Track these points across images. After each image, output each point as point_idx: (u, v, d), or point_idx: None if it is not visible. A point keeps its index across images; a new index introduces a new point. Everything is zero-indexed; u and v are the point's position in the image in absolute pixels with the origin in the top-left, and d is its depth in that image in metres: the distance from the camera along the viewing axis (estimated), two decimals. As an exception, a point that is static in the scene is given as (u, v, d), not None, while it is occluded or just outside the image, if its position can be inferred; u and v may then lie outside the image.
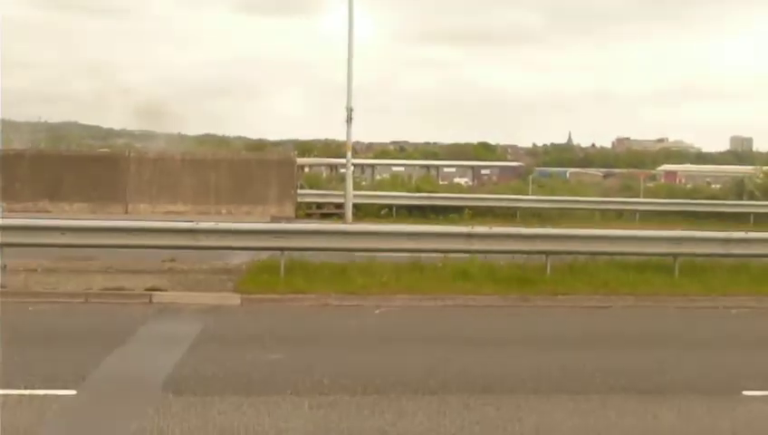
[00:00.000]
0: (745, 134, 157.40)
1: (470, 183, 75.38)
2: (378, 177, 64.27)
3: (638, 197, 34.45)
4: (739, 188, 34.62)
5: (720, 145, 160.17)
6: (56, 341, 10.35)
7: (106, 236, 14.95)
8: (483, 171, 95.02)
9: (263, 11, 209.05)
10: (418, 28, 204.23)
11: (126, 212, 26.77)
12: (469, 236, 15.51)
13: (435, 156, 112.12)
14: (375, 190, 34.14)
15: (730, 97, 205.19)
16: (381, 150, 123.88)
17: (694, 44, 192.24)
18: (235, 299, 13.48)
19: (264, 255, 15.82)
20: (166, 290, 13.73)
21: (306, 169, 54.91)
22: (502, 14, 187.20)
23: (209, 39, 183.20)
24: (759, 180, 35.92)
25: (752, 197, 32.95)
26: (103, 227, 15.34)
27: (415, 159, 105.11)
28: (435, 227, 18.86)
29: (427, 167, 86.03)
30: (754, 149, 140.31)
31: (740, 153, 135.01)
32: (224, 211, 27.12)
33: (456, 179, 77.90)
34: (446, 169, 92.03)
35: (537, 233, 16.13)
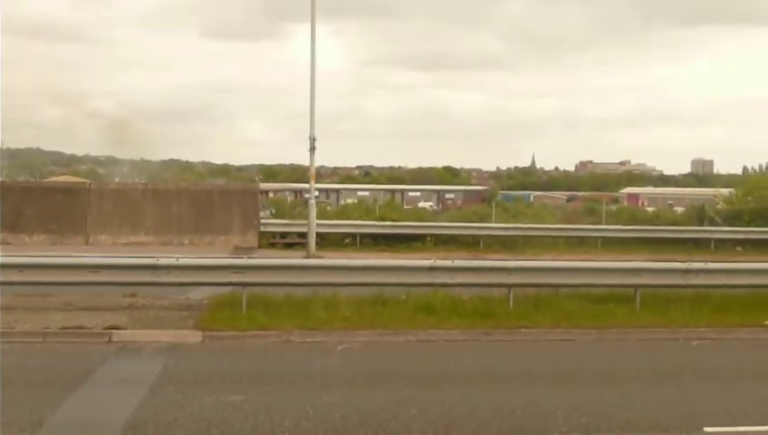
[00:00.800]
0: (706, 157, 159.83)
1: (435, 207, 75.65)
2: (343, 201, 64.37)
3: (600, 221, 34.65)
4: (700, 214, 34.97)
5: (682, 168, 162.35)
6: (12, 383, 10.15)
7: (64, 273, 14.74)
8: (447, 195, 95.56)
9: (229, 37, 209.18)
10: (385, 54, 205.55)
11: (87, 243, 26.48)
12: (432, 269, 15.49)
13: (400, 180, 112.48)
14: (340, 216, 34.10)
15: (691, 121, 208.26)
16: (347, 175, 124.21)
17: (656, 70, 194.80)
18: (196, 336, 13.33)
19: (227, 288, 15.69)
20: (126, 328, 13.56)
21: (271, 195, 54.83)
22: (467, 41, 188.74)
23: (176, 65, 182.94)
24: (719, 206, 36.34)
25: (712, 222, 33.28)
26: (61, 265, 15.13)
27: (380, 183, 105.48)
28: (397, 260, 18.80)
29: (392, 191, 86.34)
30: (715, 171, 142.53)
31: (701, 175, 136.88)
32: (186, 242, 26.94)
33: (421, 204, 78.14)
34: (411, 194, 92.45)
35: (499, 266, 16.15)
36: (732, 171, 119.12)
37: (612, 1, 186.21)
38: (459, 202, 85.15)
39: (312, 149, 25.99)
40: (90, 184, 31.02)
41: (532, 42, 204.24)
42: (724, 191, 42.36)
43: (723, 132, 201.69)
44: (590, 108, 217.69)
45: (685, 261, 17.11)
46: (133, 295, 15.90)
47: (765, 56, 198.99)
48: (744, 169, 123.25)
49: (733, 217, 33.56)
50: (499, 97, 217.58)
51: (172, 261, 15.15)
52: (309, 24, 25.95)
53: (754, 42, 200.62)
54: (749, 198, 35.39)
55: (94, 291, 15.59)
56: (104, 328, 13.48)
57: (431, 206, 76.42)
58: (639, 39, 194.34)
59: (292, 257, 22.82)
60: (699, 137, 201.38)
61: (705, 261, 17.43)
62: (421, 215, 41.68)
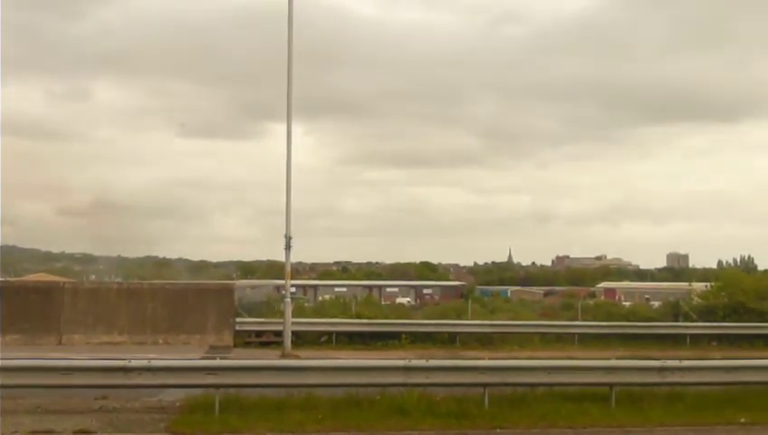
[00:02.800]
0: (681, 251, 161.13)
1: (412, 303, 75.67)
2: (321, 298, 64.20)
3: (576, 317, 34.68)
4: (674, 310, 35.09)
5: (657, 262, 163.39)
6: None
7: (34, 376, 14.55)
8: (425, 291, 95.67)
9: (207, 135, 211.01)
10: (361, 152, 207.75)
11: (60, 343, 26.18)
12: (407, 369, 15.41)
13: (378, 276, 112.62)
14: (317, 313, 34.00)
15: (665, 216, 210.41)
16: (325, 271, 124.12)
17: (627, 166, 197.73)
18: (167, 440, 13.14)
19: (200, 389, 15.52)
20: (95, 432, 13.33)
21: (248, 291, 54.62)
22: (441, 139, 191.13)
23: (153, 162, 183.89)
24: (694, 301, 36.50)
25: (687, 318, 33.39)
26: (31, 367, 14.92)
27: (358, 278, 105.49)
28: (372, 360, 18.66)
29: (370, 287, 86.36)
30: (691, 265, 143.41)
31: (677, 270, 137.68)
32: (161, 341, 26.70)
33: (399, 299, 78.19)
34: (388, 289, 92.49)
35: (474, 365, 16.09)
36: (707, 265, 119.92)
37: (583, 99, 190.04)
38: (437, 297, 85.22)
39: (288, 247, 26.06)
40: (64, 283, 30.83)
41: (506, 139, 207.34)
42: (700, 286, 42.57)
43: (696, 227, 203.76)
44: (565, 203, 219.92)
45: (660, 358, 17.13)
46: (104, 398, 15.67)
47: (734, 151, 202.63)
48: (719, 262, 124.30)
49: (707, 313, 33.66)
50: (474, 193, 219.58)
51: (144, 363, 14.99)
52: (285, 124, 26.34)
53: (722, 138, 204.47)
54: (723, 294, 35.58)
55: (65, 393, 15.37)
56: (74, 432, 13.24)
57: (409, 301, 76.52)
58: (610, 136, 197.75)
59: (268, 357, 22.67)
60: (673, 231, 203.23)
61: (680, 358, 17.42)
62: (399, 311, 41.62)
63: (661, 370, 15.97)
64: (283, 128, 26.65)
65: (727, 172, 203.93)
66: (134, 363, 14.89)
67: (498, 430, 14.08)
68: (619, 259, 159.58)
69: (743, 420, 14.90)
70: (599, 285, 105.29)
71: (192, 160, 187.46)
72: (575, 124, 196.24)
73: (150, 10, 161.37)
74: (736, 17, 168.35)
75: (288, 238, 26.00)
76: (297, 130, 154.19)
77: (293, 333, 26.20)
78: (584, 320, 33.62)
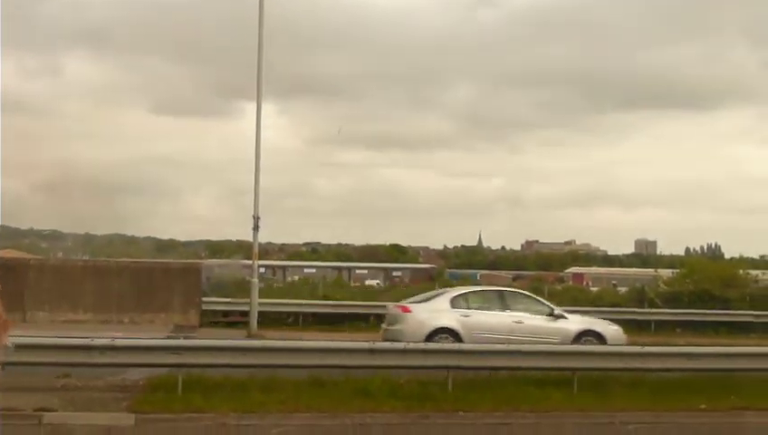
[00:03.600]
0: (650, 237, 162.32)
1: (382, 285, 75.69)
2: (290, 278, 64.12)
3: (543, 303, 34.83)
4: (640, 296, 35.42)
5: (626, 248, 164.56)
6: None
7: (-5, 353, 14.40)
8: (394, 273, 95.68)
9: (179, 113, 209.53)
10: (333, 133, 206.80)
11: (24, 320, 25.90)
12: (371, 351, 15.44)
13: (347, 257, 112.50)
14: (285, 294, 34.02)
15: (634, 202, 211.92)
16: (294, 252, 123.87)
17: (599, 151, 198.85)
18: (129, 419, 13.05)
19: (164, 369, 15.46)
20: (57, 410, 13.25)
21: (216, 271, 54.43)
22: (414, 122, 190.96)
23: (123, 139, 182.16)
24: (660, 288, 36.87)
25: (652, 304, 33.70)
26: (-8, 344, 14.77)
27: (328, 260, 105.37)
28: (336, 342, 18.68)
29: (340, 268, 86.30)
30: (659, 251, 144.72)
31: (644, 256, 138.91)
32: (126, 320, 26.56)
33: (368, 281, 78.21)
34: (358, 271, 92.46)
35: (438, 348, 16.19)
36: (675, 252, 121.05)
37: (557, 85, 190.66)
38: (407, 280, 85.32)
39: (256, 227, 26.02)
40: (29, 260, 30.60)
41: (479, 123, 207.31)
42: (666, 272, 43.01)
43: (665, 214, 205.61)
44: (536, 188, 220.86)
45: (622, 344, 17.29)
46: (66, 376, 15.56)
47: (705, 140, 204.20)
48: (687, 250, 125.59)
49: (673, 299, 34.04)
50: (447, 176, 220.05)
51: (107, 341, 14.91)
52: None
53: (694, 126, 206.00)
54: (688, 281, 35.96)
55: (26, 371, 15.23)
56: (34, 410, 13.15)
57: (378, 283, 76.50)
58: (582, 122, 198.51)
59: (233, 337, 22.61)
60: (642, 218, 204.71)
61: (643, 344, 17.59)
62: (367, 293, 41.69)
63: (623, 355, 16.11)
64: (255, 107, 26.54)
65: (698, 160, 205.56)
66: (97, 342, 14.80)
67: (461, 413, 14.13)
68: (587, 244, 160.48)
69: (703, 405, 15.05)
70: (567, 270, 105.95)
71: (163, 138, 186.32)
72: (548, 109, 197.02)
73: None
74: (712, 6, 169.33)
75: (256, 218, 25.96)
76: (270, 109, 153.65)
77: (260, 313, 26.22)
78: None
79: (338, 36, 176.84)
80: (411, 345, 16.86)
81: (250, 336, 24.10)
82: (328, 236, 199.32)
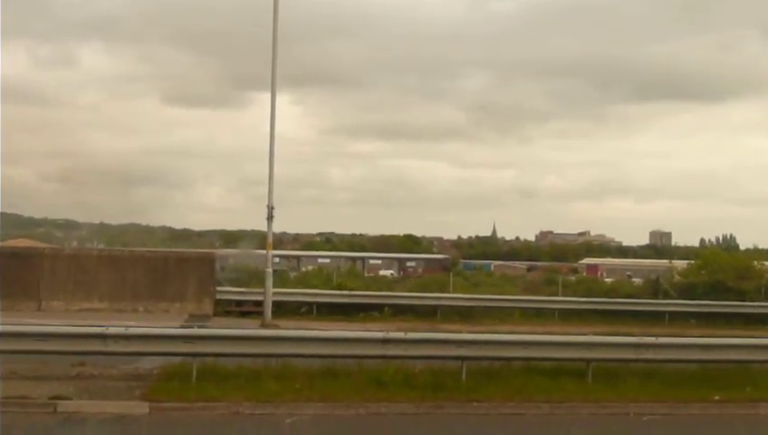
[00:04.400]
0: (664, 229, 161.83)
1: (395, 275, 75.68)
2: (304, 268, 64.12)
3: (557, 292, 34.87)
4: (654, 287, 35.30)
5: (640, 239, 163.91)
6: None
7: (10, 341, 14.45)
8: (408, 263, 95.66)
9: (192, 104, 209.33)
10: (347, 123, 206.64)
11: (39, 309, 26.11)
12: (385, 341, 15.43)
13: (361, 247, 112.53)
14: (299, 284, 34.04)
15: (649, 193, 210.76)
16: (308, 242, 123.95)
17: (613, 143, 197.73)
18: (143, 408, 13.12)
19: (177, 358, 15.50)
20: (71, 398, 13.32)
21: (231, 261, 54.57)
22: (428, 112, 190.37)
23: (138, 129, 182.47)
24: (674, 280, 36.71)
25: (666, 295, 33.58)
26: (7, 333, 14.81)
27: (342, 250, 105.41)
28: (350, 332, 18.69)
29: (354, 259, 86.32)
30: (673, 243, 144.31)
31: (659, 247, 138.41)
32: (141, 309, 26.65)
33: (382, 271, 78.20)
34: (372, 261, 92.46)
35: (452, 338, 16.13)
36: (690, 243, 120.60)
37: (569, 76, 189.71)
38: (420, 270, 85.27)
39: (270, 217, 26.03)
40: (44, 249, 30.72)
41: (492, 114, 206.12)
42: (680, 263, 42.84)
43: (680, 205, 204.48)
44: (550, 179, 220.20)
45: (636, 335, 17.23)
46: (81, 364, 15.63)
47: (718, 131, 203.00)
48: (702, 241, 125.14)
49: (687, 290, 33.91)
50: (460, 167, 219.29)
51: (121, 330, 14.97)
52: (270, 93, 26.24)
53: (707, 117, 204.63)
54: (702, 272, 35.81)
55: (41, 359, 15.32)
56: (49, 398, 13.23)
57: (392, 274, 76.51)
58: (596, 113, 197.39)
59: (247, 326, 22.68)
60: (657, 209, 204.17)
61: (657, 335, 17.51)
62: (381, 283, 41.71)
63: (637, 346, 16.04)
64: (268, 97, 26.50)
65: (712, 152, 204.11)
66: (112, 331, 14.88)
67: (474, 403, 14.12)
68: (602, 236, 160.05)
69: (717, 397, 15.01)
70: (581, 261, 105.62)
71: (177, 128, 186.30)
72: (561, 101, 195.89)
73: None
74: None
75: (270, 208, 25.97)
76: (284, 99, 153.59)
77: (274, 303, 26.24)
78: (565, 296, 33.84)
79: (351, 26, 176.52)
80: (424, 335, 16.90)
81: (264, 326, 24.15)
82: (342, 227, 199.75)
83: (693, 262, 38.85)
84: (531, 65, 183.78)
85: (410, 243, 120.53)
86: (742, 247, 73.92)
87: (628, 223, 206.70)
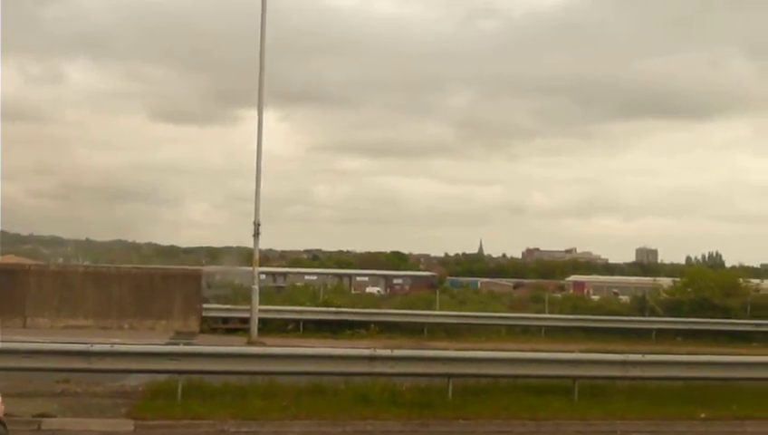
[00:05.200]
0: (651, 246, 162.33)
1: (382, 292, 75.64)
2: (286, 284, 63.97)
3: (544, 310, 34.91)
4: (641, 305, 35.38)
5: (627, 256, 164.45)
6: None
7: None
8: (395, 281, 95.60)
9: (179, 120, 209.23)
10: (334, 141, 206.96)
11: (24, 326, 25.94)
12: (372, 358, 15.40)
13: (348, 264, 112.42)
14: (286, 301, 33.95)
15: (634, 211, 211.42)
16: (295, 259, 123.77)
17: (598, 160, 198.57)
18: (128, 425, 13.07)
19: (163, 375, 15.42)
20: (56, 416, 13.24)
21: (217, 278, 54.45)
22: (414, 129, 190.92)
23: (124, 145, 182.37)
24: (660, 297, 36.81)
25: (653, 313, 33.66)
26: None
27: (328, 267, 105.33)
28: (337, 349, 18.66)
29: (340, 276, 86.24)
30: (659, 260, 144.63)
31: (645, 265, 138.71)
32: (126, 326, 26.54)
33: (369, 289, 78.08)
34: (358, 279, 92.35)
35: (439, 356, 16.15)
36: (676, 261, 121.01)
37: (556, 94, 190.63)
38: (407, 287, 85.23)
39: (257, 234, 25.98)
40: (30, 265, 30.57)
41: (479, 131, 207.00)
42: (667, 281, 42.97)
43: (666, 223, 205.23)
44: (536, 196, 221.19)
45: (622, 352, 17.25)
46: (66, 382, 15.55)
47: (704, 149, 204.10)
48: (688, 259, 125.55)
49: (673, 308, 34.01)
50: (447, 183, 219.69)
51: (106, 347, 14.91)
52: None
53: (693, 135, 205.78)
54: (688, 289, 35.93)
55: (26, 376, 15.22)
56: (33, 416, 13.14)
57: (379, 291, 76.46)
58: (583, 130, 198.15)
59: (233, 344, 22.58)
60: (643, 227, 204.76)
61: (643, 353, 17.54)
62: (367, 300, 41.67)
63: (624, 364, 16.07)
64: (256, 114, 26.53)
65: (698, 169, 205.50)
66: (97, 348, 14.79)
67: (461, 421, 14.12)
68: (588, 253, 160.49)
69: (703, 415, 15.04)
70: (568, 279, 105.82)
71: (165, 145, 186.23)
72: (548, 118, 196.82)
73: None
74: (710, 17, 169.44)
75: (257, 225, 25.93)
76: (271, 116, 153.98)
77: (261, 320, 26.17)
78: (551, 313, 33.89)
79: (338, 44, 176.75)
80: (411, 353, 16.89)
81: (250, 343, 24.06)
82: (329, 243, 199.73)
83: (679, 279, 38.93)
84: (517, 83, 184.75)
85: (397, 260, 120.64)
86: (727, 265, 74.16)
87: (614, 240, 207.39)
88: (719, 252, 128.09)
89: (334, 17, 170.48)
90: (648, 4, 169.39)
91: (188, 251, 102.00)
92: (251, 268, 26.74)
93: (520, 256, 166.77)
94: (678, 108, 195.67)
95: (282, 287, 54.72)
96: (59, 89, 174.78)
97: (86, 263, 54.62)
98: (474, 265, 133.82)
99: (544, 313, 34.00)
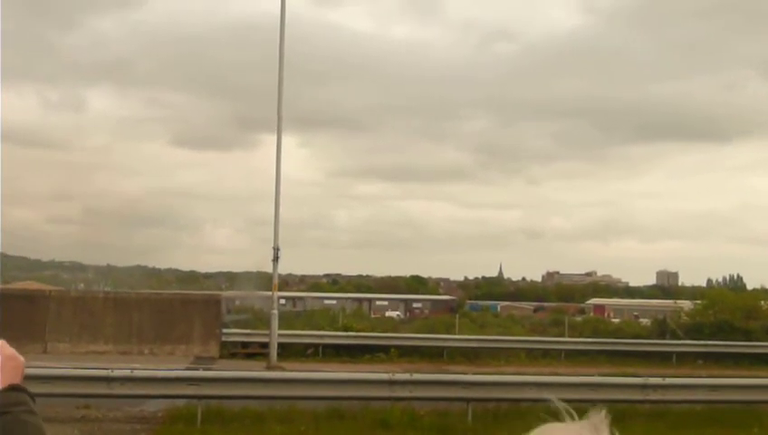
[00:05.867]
0: (671, 269, 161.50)
1: (402, 316, 75.58)
2: (309, 309, 63.98)
3: (564, 333, 34.76)
4: (662, 327, 35.16)
5: (647, 279, 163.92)
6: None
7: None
8: (415, 304, 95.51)
9: (200, 145, 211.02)
10: (353, 165, 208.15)
11: (45, 352, 26.02)
12: (391, 383, 15.40)
13: (367, 289, 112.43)
14: (303, 328, 33.95)
15: (654, 233, 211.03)
16: (314, 283, 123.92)
17: (617, 183, 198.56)
18: (147, 451, 13.10)
19: (182, 400, 15.47)
20: (76, 441, 13.29)
21: (237, 302, 54.62)
22: (433, 154, 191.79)
23: (145, 171, 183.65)
24: (681, 320, 36.58)
25: (674, 335, 33.43)
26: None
27: (348, 291, 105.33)
28: (356, 374, 18.64)
29: (359, 300, 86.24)
30: (680, 283, 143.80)
31: (666, 287, 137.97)
32: (146, 351, 26.60)
33: (388, 313, 77.99)
34: (378, 303, 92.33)
35: (458, 380, 16.08)
36: (696, 283, 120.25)
37: (574, 117, 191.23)
38: (427, 311, 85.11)
39: (276, 258, 26.03)
40: (50, 291, 30.75)
41: (497, 155, 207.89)
42: (687, 304, 42.72)
43: (686, 245, 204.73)
44: (555, 219, 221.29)
45: (642, 376, 17.15)
46: (87, 407, 15.60)
47: (723, 171, 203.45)
48: (709, 281, 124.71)
49: (694, 331, 33.73)
50: (466, 207, 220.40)
51: (126, 373, 14.96)
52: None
53: (712, 157, 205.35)
54: (710, 312, 35.70)
55: (46, 402, 15.28)
56: (54, 442, 13.19)
57: (398, 315, 76.39)
58: (600, 153, 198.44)
59: (253, 368, 22.60)
60: (663, 249, 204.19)
61: (663, 376, 17.43)
62: (387, 324, 41.62)
63: (644, 387, 15.98)
64: (275, 139, 26.68)
65: (717, 192, 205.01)
66: (117, 373, 14.85)
67: (480, 445, 14.07)
68: (608, 276, 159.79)
69: (724, 438, 14.92)
70: (588, 302, 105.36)
71: (185, 170, 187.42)
72: (566, 142, 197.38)
73: (145, 22, 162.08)
74: (726, 40, 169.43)
75: (276, 250, 25.98)
76: (291, 141, 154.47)
77: (280, 344, 26.14)
78: (572, 336, 33.71)
79: (356, 69, 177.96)
80: (430, 377, 16.85)
81: (269, 368, 24.05)
82: (348, 268, 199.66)
83: (700, 302, 38.69)
84: (535, 106, 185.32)
85: (416, 284, 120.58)
86: (749, 287, 73.67)
87: (634, 263, 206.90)
88: (740, 274, 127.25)
89: (352, 43, 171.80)
90: (663, 29, 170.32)
91: (208, 276, 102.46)
92: (270, 293, 26.78)
93: (540, 279, 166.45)
94: (696, 130, 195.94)
95: (301, 312, 54.82)
96: (80, 115, 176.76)
97: (107, 288, 54.87)
98: (493, 288, 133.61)
99: (564, 336, 33.83)
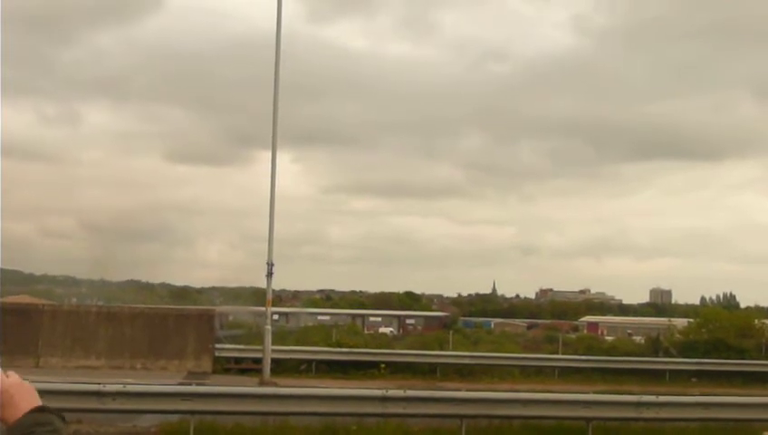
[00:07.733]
0: (665, 287, 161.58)
1: (395, 332, 75.49)
2: (303, 325, 63.91)
3: (558, 350, 34.76)
4: (655, 345, 35.17)
5: (640, 297, 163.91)
6: None
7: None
8: (408, 321, 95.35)
9: (194, 160, 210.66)
10: (347, 182, 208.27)
11: (37, 366, 25.91)
12: (384, 399, 15.34)
13: (361, 305, 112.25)
14: (296, 343, 33.88)
15: (647, 251, 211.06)
16: (308, 299, 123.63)
17: (610, 202, 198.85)
18: (139, 466, 13.04)
19: (175, 416, 15.40)
20: (67, 456, 13.20)
21: (230, 318, 54.53)
22: (427, 171, 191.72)
23: (138, 186, 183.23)
24: (675, 338, 36.61)
25: (667, 353, 33.44)
26: (5, 390, 14.76)
27: (342, 307, 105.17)
28: (349, 390, 18.62)
29: (353, 316, 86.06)
30: (674, 301, 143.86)
31: (660, 305, 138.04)
32: (139, 366, 26.52)
33: (382, 329, 77.93)
34: (371, 319, 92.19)
35: (451, 396, 16.07)
36: (690, 301, 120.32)
37: (567, 135, 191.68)
38: (420, 328, 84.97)
39: (270, 274, 26.00)
40: (43, 305, 30.67)
41: (491, 172, 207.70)
42: (681, 322, 42.78)
43: (680, 263, 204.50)
44: (549, 237, 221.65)
45: (636, 393, 17.14)
46: (78, 422, 15.53)
47: (717, 190, 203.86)
48: (702, 299, 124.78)
49: (688, 348, 33.77)
50: (459, 224, 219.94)
51: (118, 387, 14.89)
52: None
53: (705, 176, 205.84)
54: (703, 330, 35.74)
55: (38, 417, 15.18)
56: (45, 456, 13.09)
57: (392, 331, 76.31)
58: (594, 171, 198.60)
59: (246, 384, 22.55)
60: (657, 267, 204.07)
61: (657, 394, 17.41)
62: (380, 340, 41.55)
63: (638, 405, 15.95)
64: (270, 155, 26.68)
65: (711, 210, 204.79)
66: (109, 388, 14.77)
67: (473, 462, 14.04)
68: (602, 293, 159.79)
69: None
70: (582, 319, 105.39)
71: (179, 185, 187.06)
72: (560, 160, 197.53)
73: (142, 37, 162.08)
74: (717, 61, 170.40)
75: (270, 265, 25.95)
76: (285, 157, 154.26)
77: (273, 360, 26.08)
78: (565, 354, 33.71)
79: (351, 86, 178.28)
80: (423, 393, 16.81)
81: (263, 383, 23.99)
82: (342, 284, 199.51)
83: (693, 320, 38.74)
84: (529, 125, 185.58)
85: (410, 300, 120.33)
86: (742, 306, 73.84)
87: (628, 281, 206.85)
88: (733, 293, 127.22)
89: (347, 60, 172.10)
90: (656, 49, 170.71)
91: (202, 291, 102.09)
92: (264, 308, 26.74)
93: (533, 296, 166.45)
94: (689, 150, 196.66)
95: (294, 328, 54.72)
96: (76, 130, 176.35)
97: (99, 303, 54.70)
98: (487, 305, 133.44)
99: (558, 353, 33.84)
